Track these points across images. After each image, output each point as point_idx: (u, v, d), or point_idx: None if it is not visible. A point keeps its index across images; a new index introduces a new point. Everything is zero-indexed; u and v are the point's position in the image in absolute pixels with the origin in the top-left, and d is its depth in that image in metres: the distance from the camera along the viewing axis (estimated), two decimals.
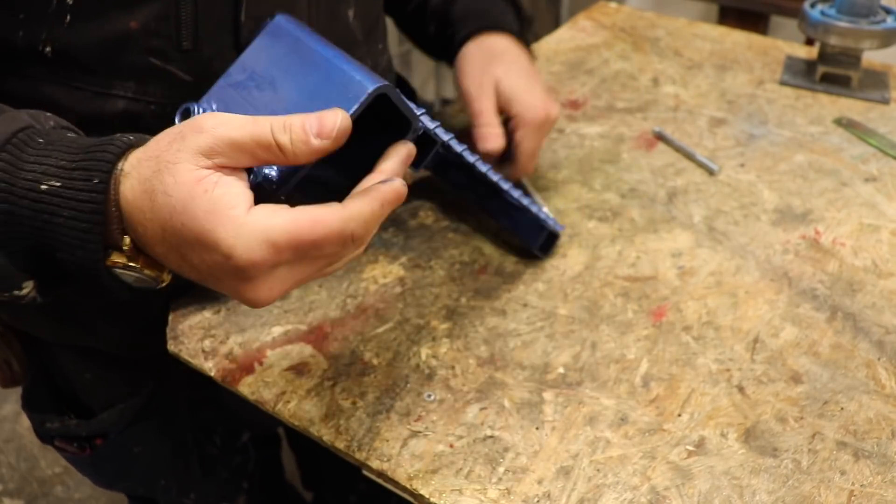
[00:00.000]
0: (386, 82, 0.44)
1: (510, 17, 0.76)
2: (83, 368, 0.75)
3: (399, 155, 0.45)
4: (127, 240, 0.41)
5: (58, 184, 0.40)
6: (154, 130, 0.44)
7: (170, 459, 0.82)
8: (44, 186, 0.40)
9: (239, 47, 0.54)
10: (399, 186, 0.42)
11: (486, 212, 0.71)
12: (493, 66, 0.70)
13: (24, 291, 0.44)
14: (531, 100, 0.68)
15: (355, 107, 0.42)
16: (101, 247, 0.41)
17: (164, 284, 0.44)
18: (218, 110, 0.45)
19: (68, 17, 0.49)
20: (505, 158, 0.70)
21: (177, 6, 0.50)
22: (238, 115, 0.40)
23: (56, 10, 0.48)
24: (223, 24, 0.53)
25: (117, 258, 0.41)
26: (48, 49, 0.50)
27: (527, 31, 0.77)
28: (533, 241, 0.67)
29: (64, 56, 0.51)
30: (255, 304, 0.40)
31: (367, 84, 0.43)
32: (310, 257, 0.39)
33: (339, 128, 0.39)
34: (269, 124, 0.39)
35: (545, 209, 0.69)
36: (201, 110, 0.46)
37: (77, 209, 0.39)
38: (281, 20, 0.49)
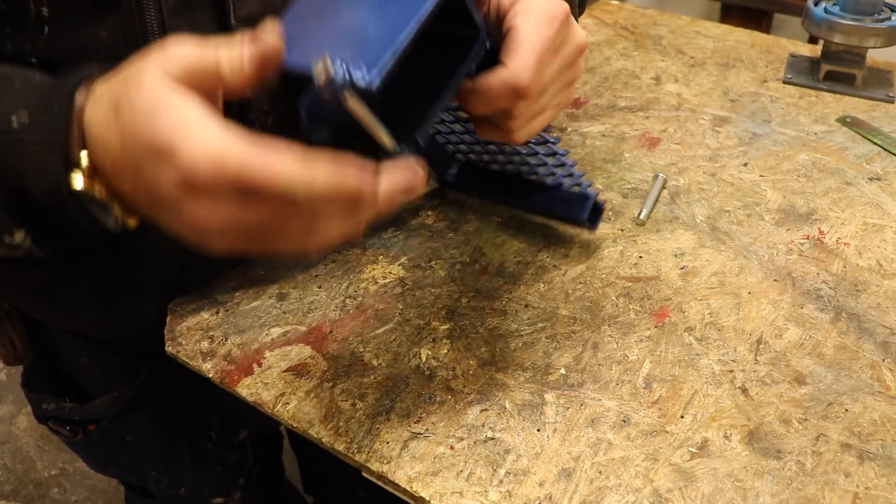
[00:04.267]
0: None
1: None
2: (80, 353, 0.77)
3: (401, 175, 0.41)
4: (84, 155, 0.41)
5: (25, 114, 0.41)
6: None
7: (160, 451, 0.83)
8: (15, 125, 0.41)
9: None
10: (362, 186, 0.38)
11: (521, 206, 0.71)
12: None
13: (18, 240, 0.44)
14: None
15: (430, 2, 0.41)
16: (63, 165, 0.41)
17: (125, 223, 0.44)
18: (287, 45, 0.42)
19: (46, 29, 0.51)
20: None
21: (140, 14, 0.51)
22: (192, 41, 0.40)
23: (35, 22, 0.51)
24: (198, 28, 0.54)
25: (74, 176, 0.41)
26: (34, 59, 0.52)
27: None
28: (580, 214, 0.66)
29: (48, 64, 0.52)
30: (196, 233, 0.40)
31: None
32: (252, 199, 0.37)
33: (263, 51, 0.39)
34: (216, 53, 0.39)
35: (581, 177, 0.66)
36: None
37: (42, 134, 0.41)
38: None
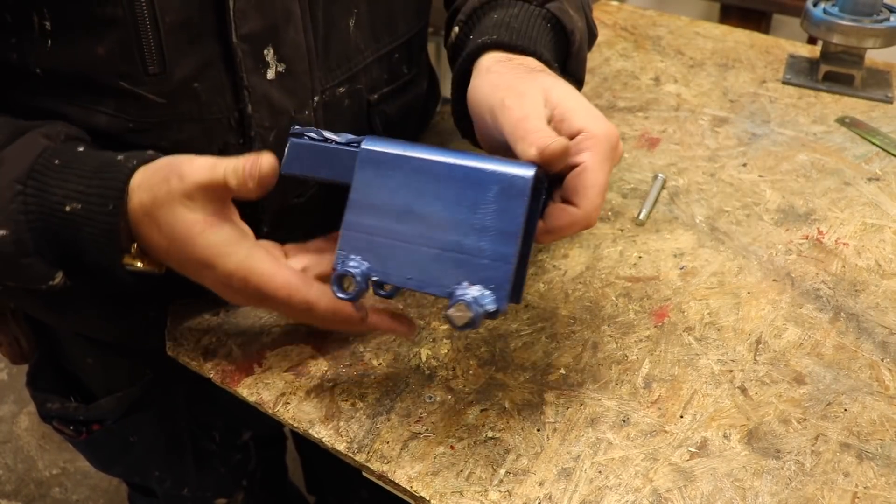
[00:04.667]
0: (531, 164, 0.46)
1: (550, 46, 0.60)
2: (85, 353, 0.77)
3: (388, 323, 0.54)
4: (134, 246, 0.51)
5: (79, 206, 0.48)
6: (136, 146, 0.53)
7: (164, 452, 0.83)
8: (68, 208, 0.48)
9: (234, 69, 0.55)
10: (339, 315, 0.52)
11: None
12: (536, 76, 0.54)
13: (56, 281, 0.52)
14: (597, 114, 0.52)
15: (525, 202, 0.45)
16: (119, 256, 0.50)
17: (159, 272, 0.53)
18: (370, 262, 0.48)
19: (49, 42, 0.52)
20: (550, 197, 0.51)
21: (136, 32, 0.51)
22: (205, 160, 0.49)
23: (39, 35, 0.52)
24: (198, 46, 0.53)
25: (127, 260, 0.51)
26: (38, 70, 0.53)
27: (573, 66, 0.63)
28: None
29: (52, 76, 0.54)
30: (230, 302, 0.56)
31: (523, 176, 0.45)
32: (271, 300, 0.51)
33: (260, 173, 0.48)
34: (223, 168, 0.48)
35: None
36: (355, 271, 0.48)
37: (96, 228, 0.49)
38: (366, 148, 0.48)
